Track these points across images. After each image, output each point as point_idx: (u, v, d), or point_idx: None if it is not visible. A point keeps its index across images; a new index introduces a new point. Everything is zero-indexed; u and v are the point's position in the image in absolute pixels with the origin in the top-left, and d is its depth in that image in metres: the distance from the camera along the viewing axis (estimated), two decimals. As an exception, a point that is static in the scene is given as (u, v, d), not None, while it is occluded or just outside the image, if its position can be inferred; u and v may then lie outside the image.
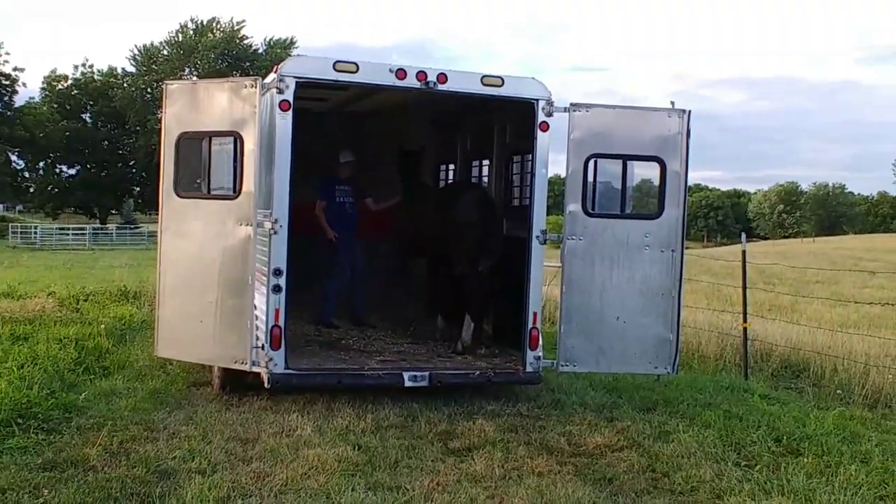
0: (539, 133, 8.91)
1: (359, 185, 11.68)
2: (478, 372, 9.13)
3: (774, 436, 8.47)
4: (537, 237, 8.97)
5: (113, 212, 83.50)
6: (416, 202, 11.47)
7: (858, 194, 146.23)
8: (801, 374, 12.60)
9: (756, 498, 6.72)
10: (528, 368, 9.06)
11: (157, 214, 8.92)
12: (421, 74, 8.67)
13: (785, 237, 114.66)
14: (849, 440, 8.43)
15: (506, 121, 11.28)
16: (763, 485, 7.05)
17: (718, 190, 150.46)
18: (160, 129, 8.98)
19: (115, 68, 77.04)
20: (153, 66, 73.33)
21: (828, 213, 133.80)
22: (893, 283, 33.00)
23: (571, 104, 8.84)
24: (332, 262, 11.55)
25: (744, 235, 14.02)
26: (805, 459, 7.77)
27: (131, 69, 75.68)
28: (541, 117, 8.88)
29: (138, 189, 78.22)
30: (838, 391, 11.35)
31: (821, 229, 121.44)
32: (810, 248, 64.04)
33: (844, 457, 7.82)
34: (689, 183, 9.27)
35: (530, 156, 9.31)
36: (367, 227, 11.79)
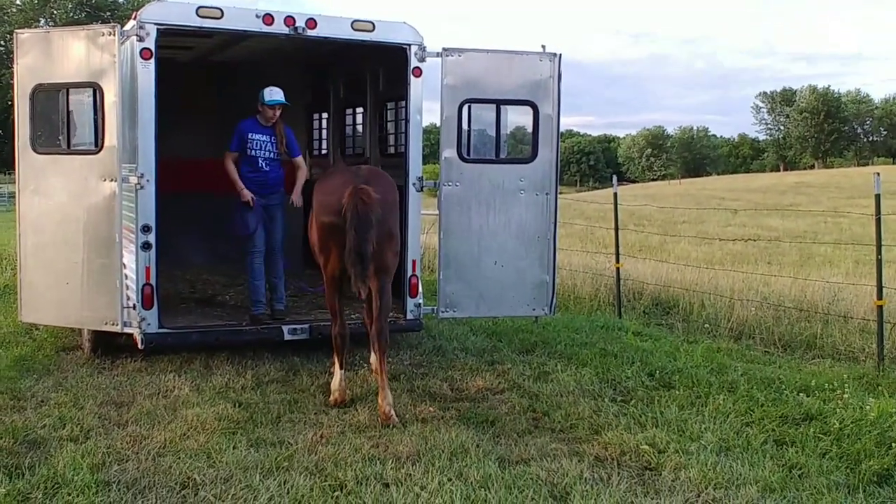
0: (412, 79, 8.81)
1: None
2: (359, 322, 9.09)
3: (648, 371, 8.79)
4: (413, 184, 8.92)
5: (-33, 172, 78.97)
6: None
7: (721, 137, 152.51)
8: (671, 311, 13.09)
9: (632, 431, 6.94)
10: (409, 316, 9.06)
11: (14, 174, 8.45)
12: (289, 19, 8.42)
13: (653, 180, 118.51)
14: (716, 371, 8.81)
15: (378, 67, 11.13)
16: (638, 418, 7.29)
17: (590, 135, 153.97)
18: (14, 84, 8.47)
19: (-38, 19, 72.30)
20: (5, 18, 69.11)
21: (693, 155, 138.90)
22: (754, 220, 34.67)
23: (444, 49, 8.76)
24: (246, 233, 9.30)
25: (615, 178, 14.38)
26: (677, 392, 8.08)
27: (-20, 20, 71.18)
28: (413, 63, 8.78)
29: (-6, 148, 74.10)
30: (706, 325, 11.85)
31: (686, 171, 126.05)
32: (677, 190, 66.37)
33: (713, 387, 8.16)
34: (562, 129, 9.38)
35: (404, 102, 9.22)
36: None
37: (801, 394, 7.96)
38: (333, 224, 7.42)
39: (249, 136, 9.27)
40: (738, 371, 8.82)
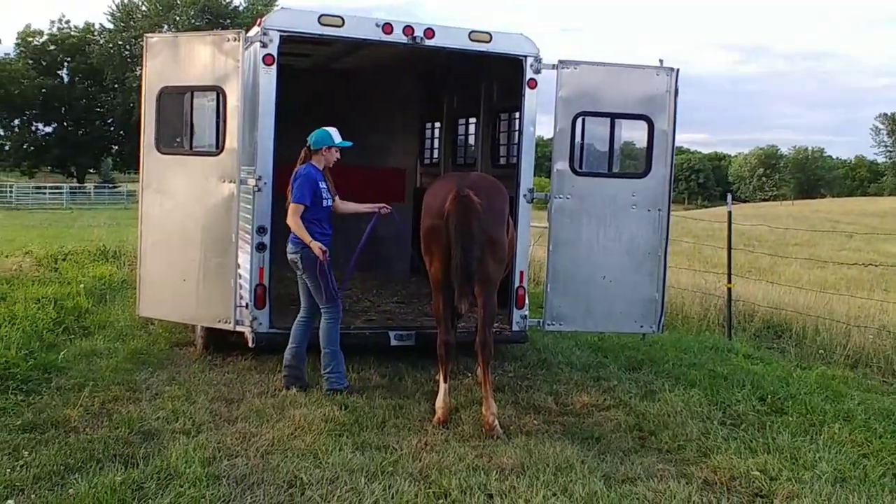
0: (527, 90, 8.78)
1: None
2: (465, 332, 9.07)
3: (759, 395, 8.52)
4: (524, 196, 8.87)
5: (91, 171, 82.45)
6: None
7: (837, 158, 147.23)
8: (783, 335, 12.67)
9: (742, 456, 6.73)
10: (515, 327, 9.01)
11: (136, 174, 8.77)
12: (408, 29, 8.50)
13: (764, 200, 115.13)
14: (832, 399, 8.48)
15: (493, 78, 11.13)
16: (749, 443, 7.07)
17: (700, 153, 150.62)
18: (139, 86, 8.77)
19: (93, 24, 75.74)
20: (131, 23, 72.16)
21: (807, 176, 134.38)
22: (870, 245, 33.26)
23: (560, 61, 8.71)
24: (326, 296, 8.01)
25: (729, 196, 14.00)
26: (789, 418, 7.81)
27: (109, 25, 74.46)
28: (529, 74, 8.75)
29: (116, 147, 77.30)
30: (820, 351, 11.43)
31: (800, 192, 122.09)
32: (790, 211, 64.27)
33: (828, 415, 7.87)
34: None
35: (517, 114, 9.19)
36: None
37: (923, 427, 7.59)
38: (435, 227, 7.34)
39: (321, 186, 8.05)
40: (855, 400, 8.47)
